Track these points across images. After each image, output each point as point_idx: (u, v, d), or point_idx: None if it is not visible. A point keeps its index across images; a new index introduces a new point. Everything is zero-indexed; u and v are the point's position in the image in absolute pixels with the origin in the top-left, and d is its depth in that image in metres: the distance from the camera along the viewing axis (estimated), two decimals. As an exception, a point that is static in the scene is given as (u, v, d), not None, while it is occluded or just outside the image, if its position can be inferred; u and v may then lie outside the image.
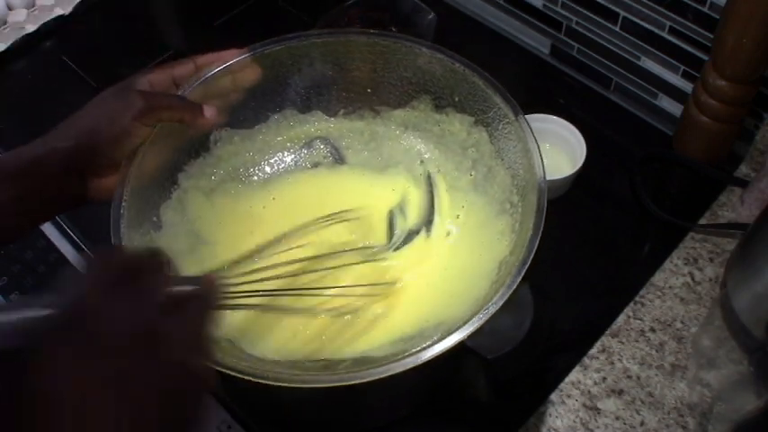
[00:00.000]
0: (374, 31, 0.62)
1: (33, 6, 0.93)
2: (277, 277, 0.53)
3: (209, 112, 0.55)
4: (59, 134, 0.51)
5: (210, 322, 0.37)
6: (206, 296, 0.39)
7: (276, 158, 0.67)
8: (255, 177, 0.66)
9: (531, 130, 0.56)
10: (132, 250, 0.47)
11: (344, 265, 0.58)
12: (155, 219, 0.58)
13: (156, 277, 0.37)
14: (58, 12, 0.92)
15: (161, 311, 0.34)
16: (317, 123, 0.68)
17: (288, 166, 0.67)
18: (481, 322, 0.46)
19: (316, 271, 0.57)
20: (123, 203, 0.53)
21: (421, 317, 0.56)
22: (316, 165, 0.67)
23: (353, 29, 0.63)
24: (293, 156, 0.68)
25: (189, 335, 0.35)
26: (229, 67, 0.59)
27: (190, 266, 0.58)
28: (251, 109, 0.65)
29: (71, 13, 0.92)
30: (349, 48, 0.64)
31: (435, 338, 0.47)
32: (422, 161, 0.66)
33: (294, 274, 0.56)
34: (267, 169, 0.67)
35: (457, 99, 0.62)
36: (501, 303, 0.47)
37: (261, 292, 0.51)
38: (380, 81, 0.65)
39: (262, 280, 0.51)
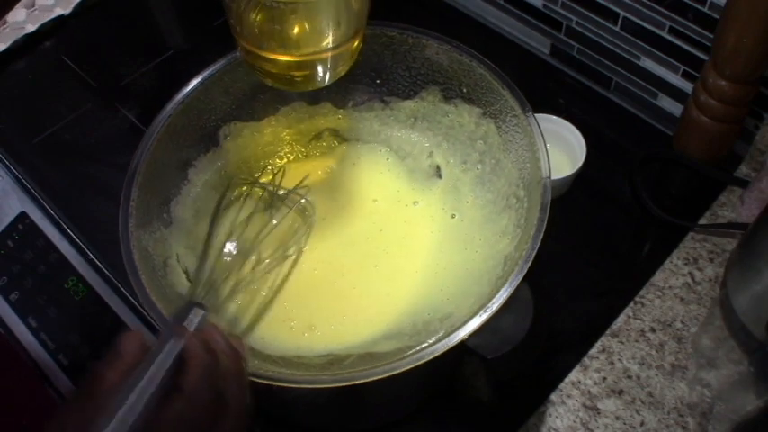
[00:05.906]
0: (379, 22, 0.62)
1: (33, 6, 0.93)
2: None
3: None
4: None
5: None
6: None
7: (285, 151, 0.67)
8: (264, 170, 0.66)
9: (538, 124, 0.56)
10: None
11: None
12: (165, 215, 0.58)
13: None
14: (58, 12, 0.92)
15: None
16: (327, 115, 0.68)
17: (297, 158, 0.67)
18: (484, 320, 0.47)
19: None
20: (132, 203, 0.53)
21: (422, 309, 0.57)
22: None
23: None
24: (303, 148, 0.67)
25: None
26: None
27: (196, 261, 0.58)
28: (260, 102, 0.65)
29: (71, 13, 0.92)
30: None
31: (440, 335, 0.47)
32: (430, 153, 0.66)
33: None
34: (276, 161, 0.67)
35: (465, 90, 0.62)
36: (503, 301, 0.47)
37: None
38: (389, 72, 0.65)
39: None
